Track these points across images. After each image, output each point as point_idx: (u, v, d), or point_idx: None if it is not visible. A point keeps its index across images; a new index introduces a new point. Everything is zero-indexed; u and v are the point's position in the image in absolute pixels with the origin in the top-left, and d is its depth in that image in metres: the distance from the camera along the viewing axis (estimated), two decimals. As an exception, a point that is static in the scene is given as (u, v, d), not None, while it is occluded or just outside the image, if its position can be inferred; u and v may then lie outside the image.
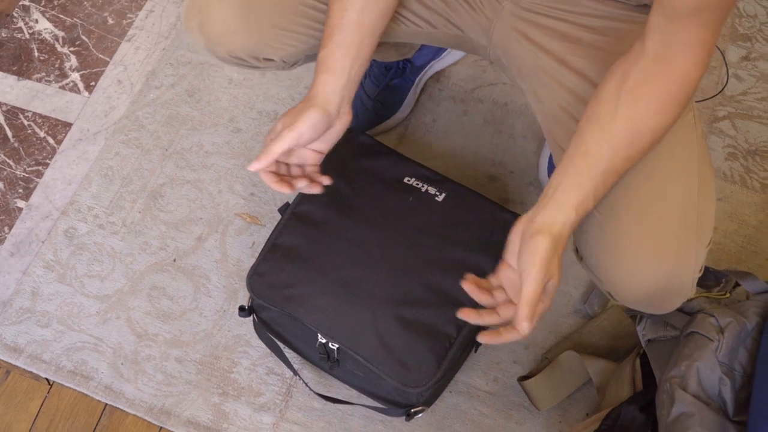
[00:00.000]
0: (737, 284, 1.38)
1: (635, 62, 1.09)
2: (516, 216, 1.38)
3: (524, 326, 1.01)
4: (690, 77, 1.06)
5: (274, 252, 1.38)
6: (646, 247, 1.16)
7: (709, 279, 1.42)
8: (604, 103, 1.09)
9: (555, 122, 1.24)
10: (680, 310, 1.35)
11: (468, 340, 1.37)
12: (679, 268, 1.17)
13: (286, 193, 1.39)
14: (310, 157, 1.23)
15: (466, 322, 1.31)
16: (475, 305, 1.33)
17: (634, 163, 1.11)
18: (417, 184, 1.41)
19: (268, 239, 1.40)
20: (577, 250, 1.28)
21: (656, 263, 1.16)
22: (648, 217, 1.16)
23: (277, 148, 1.16)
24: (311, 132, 1.18)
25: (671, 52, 1.06)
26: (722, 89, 1.85)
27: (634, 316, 1.48)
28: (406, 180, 1.42)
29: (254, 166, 1.17)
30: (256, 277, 1.37)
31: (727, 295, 1.37)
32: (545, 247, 1.04)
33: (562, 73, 1.23)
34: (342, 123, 1.22)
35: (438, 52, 1.77)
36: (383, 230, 1.37)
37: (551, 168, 1.65)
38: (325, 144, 1.23)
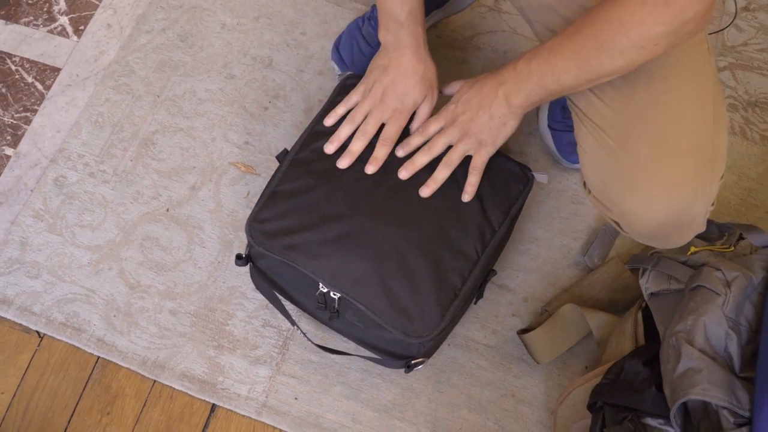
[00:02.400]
0: (741, 237, 1.36)
1: None
2: (522, 166, 1.36)
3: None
4: (633, 19, 1.05)
5: (274, 199, 1.34)
6: (661, 175, 1.15)
7: (712, 232, 1.40)
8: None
9: None
10: (684, 263, 1.33)
11: (472, 291, 1.35)
12: (693, 199, 1.16)
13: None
14: None
15: (471, 273, 1.30)
16: (487, 260, 1.32)
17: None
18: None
19: (267, 186, 1.36)
20: (585, 184, 1.27)
21: (670, 191, 1.15)
22: (663, 144, 1.15)
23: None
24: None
25: None
26: (733, 19, 1.82)
27: (636, 269, 1.46)
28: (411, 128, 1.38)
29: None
30: (255, 224, 1.34)
31: (732, 248, 1.35)
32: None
33: None
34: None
35: (440, 0, 1.72)
36: (388, 178, 1.34)
37: (551, 118, 1.62)
38: None
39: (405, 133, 1.36)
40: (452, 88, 1.35)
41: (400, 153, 1.32)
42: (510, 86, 1.24)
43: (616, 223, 1.25)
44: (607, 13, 1.08)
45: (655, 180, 1.15)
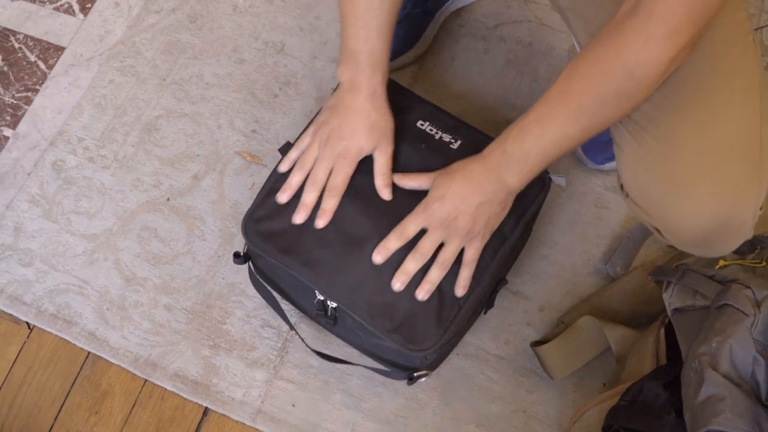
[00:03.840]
0: (775, 252, 1.27)
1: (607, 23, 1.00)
2: None
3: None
4: (638, 59, 0.97)
5: (272, 197, 1.26)
6: (706, 177, 1.06)
7: (744, 244, 1.31)
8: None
9: None
10: (711, 277, 1.24)
11: (479, 301, 1.26)
12: (741, 202, 1.07)
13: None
14: None
15: (478, 283, 1.21)
16: (497, 269, 1.23)
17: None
18: (431, 130, 1.29)
19: (267, 181, 1.28)
20: (622, 187, 1.19)
21: (716, 194, 1.06)
22: (709, 142, 1.06)
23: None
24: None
25: (633, 25, 0.96)
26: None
27: (660, 281, 1.36)
28: (419, 124, 1.29)
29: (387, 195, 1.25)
30: (251, 224, 1.26)
31: (764, 263, 1.26)
32: None
33: None
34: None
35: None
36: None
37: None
38: None
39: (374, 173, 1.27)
40: (415, 181, 1.25)
41: (378, 259, 1.20)
42: (505, 170, 1.14)
43: (657, 229, 1.16)
44: (600, 61, 1.00)
45: (700, 182, 1.06)
